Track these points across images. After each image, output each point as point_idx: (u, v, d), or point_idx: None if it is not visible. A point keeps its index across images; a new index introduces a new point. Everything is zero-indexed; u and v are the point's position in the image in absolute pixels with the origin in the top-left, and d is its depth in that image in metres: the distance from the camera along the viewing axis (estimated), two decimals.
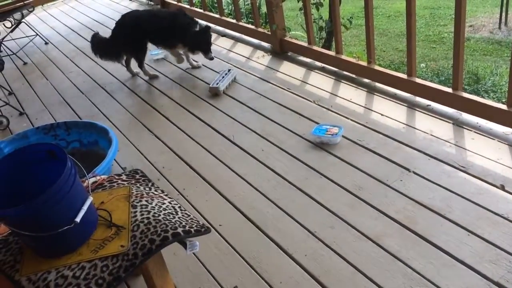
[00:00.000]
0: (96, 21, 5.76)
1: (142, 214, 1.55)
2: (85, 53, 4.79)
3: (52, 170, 1.42)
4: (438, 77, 5.88)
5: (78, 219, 1.40)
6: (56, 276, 1.39)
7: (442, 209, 2.08)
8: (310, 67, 3.60)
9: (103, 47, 3.87)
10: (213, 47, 3.77)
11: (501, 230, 1.93)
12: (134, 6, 6.02)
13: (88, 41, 5.06)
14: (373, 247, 1.97)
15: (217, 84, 3.47)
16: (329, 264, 1.94)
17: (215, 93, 3.45)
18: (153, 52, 4.22)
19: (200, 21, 3.88)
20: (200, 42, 3.66)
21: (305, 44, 3.72)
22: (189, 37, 3.61)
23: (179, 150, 2.89)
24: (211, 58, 3.70)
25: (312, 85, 3.35)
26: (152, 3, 5.87)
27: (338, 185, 2.35)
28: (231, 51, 4.20)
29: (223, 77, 3.54)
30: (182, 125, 3.16)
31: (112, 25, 5.57)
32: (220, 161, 2.72)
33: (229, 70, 3.63)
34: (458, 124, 2.62)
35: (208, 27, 3.69)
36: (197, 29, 3.62)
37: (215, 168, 2.67)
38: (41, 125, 2.92)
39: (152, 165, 2.80)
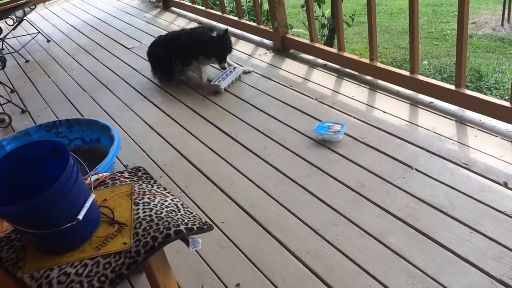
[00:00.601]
0: (98, 18, 5.76)
1: (145, 212, 1.55)
2: (87, 50, 4.79)
3: (54, 167, 1.41)
4: (441, 74, 5.87)
5: (80, 217, 1.40)
6: (59, 273, 1.39)
7: (444, 207, 2.08)
8: (312, 65, 3.59)
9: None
10: None
11: (504, 227, 1.93)
12: (135, 3, 6.02)
13: (90, 39, 5.09)
14: (376, 244, 1.97)
15: (218, 82, 3.46)
16: (331, 261, 1.93)
17: (216, 91, 3.45)
18: None
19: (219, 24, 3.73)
20: (217, 48, 3.42)
21: (307, 42, 3.71)
22: (204, 43, 3.41)
23: (181, 148, 2.89)
24: (224, 68, 3.51)
25: (314, 83, 3.34)
26: (154, 0, 5.87)
27: (341, 182, 2.35)
28: (233, 48, 4.18)
29: (226, 74, 3.53)
30: (184, 123, 3.16)
31: (113, 22, 5.59)
32: (222, 158, 2.72)
33: (234, 68, 3.62)
34: (461, 121, 2.61)
35: (226, 30, 3.46)
36: (214, 34, 3.41)
37: (217, 165, 2.67)
38: (43, 122, 2.92)
39: (154, 162, 2.80)
